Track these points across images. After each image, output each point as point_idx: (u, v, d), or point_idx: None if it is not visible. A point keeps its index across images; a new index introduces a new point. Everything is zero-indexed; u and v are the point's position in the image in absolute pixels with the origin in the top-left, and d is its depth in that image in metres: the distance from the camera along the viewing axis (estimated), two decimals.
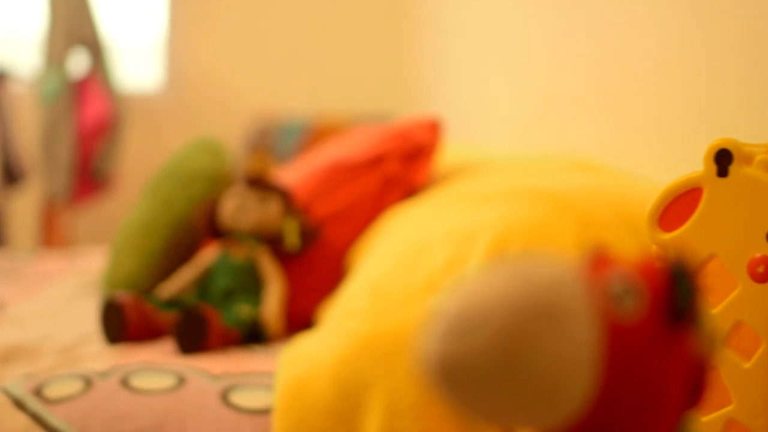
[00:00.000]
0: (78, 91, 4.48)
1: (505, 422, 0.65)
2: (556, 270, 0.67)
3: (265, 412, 1.37)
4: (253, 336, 1.78)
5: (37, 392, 1.42)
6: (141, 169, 5.09)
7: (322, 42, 5.18)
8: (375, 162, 1.94)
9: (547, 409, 0.65)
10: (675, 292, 0.70)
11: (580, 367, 0.64)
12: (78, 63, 4.60)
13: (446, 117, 2.12)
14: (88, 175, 4.56)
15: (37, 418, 1.37)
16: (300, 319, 1.89)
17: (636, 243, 1.40)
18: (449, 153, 2.30)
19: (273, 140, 4.59)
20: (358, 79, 5.17)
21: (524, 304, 0.63)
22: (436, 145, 1.96)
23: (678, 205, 1.08)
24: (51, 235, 4.62)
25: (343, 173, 1.96)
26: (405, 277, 1.46)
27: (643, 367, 0.68)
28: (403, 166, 1.92)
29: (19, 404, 1.40)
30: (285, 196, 1.91)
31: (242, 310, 1.77)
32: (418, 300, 1.39)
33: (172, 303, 1.84)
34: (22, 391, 1.43)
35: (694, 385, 0.73)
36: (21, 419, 1.37)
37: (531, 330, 0.63)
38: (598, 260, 0.70)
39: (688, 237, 1.06)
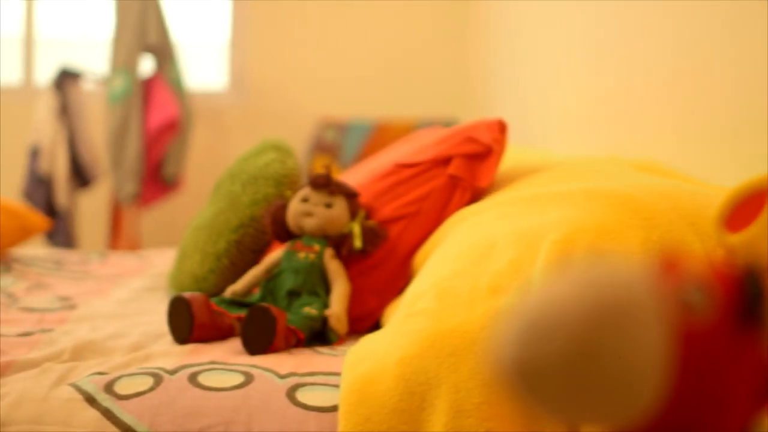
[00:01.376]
0: (146, 92, 4.52)
1: (577, 421, 0.65)
2: (628, 274, 0.67)
3: (330, 410, 1.39)
4: (318, 336, 1.79)
5: (108, 388, 1.45)
6: (205, 169, 5.14)
7: (385, 48, 5.19)
8: (441, 164, 1.94)
9: (620, 409, 0.65)
10: (746, 294, 0.69)
11: (652, 369, 0.65)
12: (146, 65, 4.65)
13: (508, 121, 2.12)
14: (156, 177, 4.60)
15: (108, 414, 1.39)
16: (365, 319, 1.90)
17: (702, 245, 1.39)
18: (513, 155, 2.30)
19: (337, 143, 4.60)
20: (421, 86, 5.17)
21: (598, 309, 0.63)
22: (502, 147, 1.96)
23: (745, 208, 1.08)
24: (118, 235, 4.67)
25: (409, 175, 1.96)
26: (470, 277, 1.47)
27: (714, 368, 0.68)
28: (469, 168, 1.92)
29: (90, 400, 1.42)
30: (351, 198, 1.92)
31: (308, 310, 1.78)
32: (483, 300, 1.40)
33: (239, 303, 1.86)
34: (93, 387, 1.45)
35: (765, 386, 0.72)
36: (92, 414, 1.39)
37: (604, 334, 0.63)
38: (669, 263, 0.70)
39: (755, 239, 1.05)
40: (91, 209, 5.18)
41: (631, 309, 0.64)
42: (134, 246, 4.56)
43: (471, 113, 4.88)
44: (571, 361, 0.63)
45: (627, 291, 0.65)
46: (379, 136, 4.59)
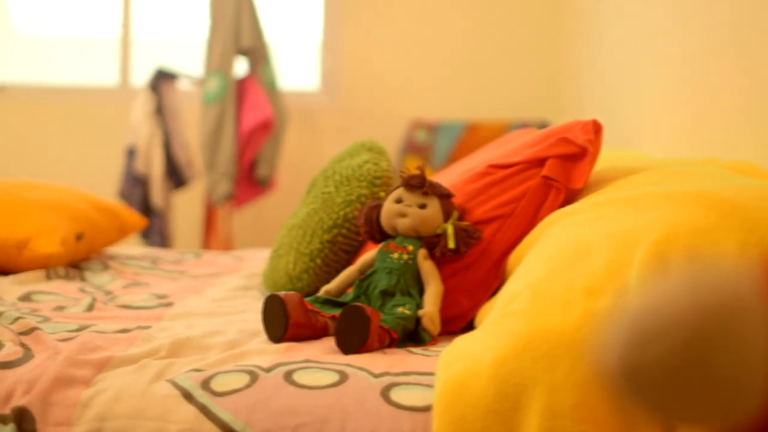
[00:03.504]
0: (240, 93, 4.57)
1: (680, 424, 0.65)
2: (735, 278, 0.66)
3: (424, 410, 1.39)
4: (411, 337, 1.80)
5: (205, 385, 1.47)
6: (297, 170, 5.17)
7: (476, 48, 5.18)
8: (536, 165, 1.93)
9: (724, 412, 0.64)
10: None
11: (758, 373, 0.64)
12: (240, 66, 4.70)
13: (601, 123, 2.10)
14: (250, 178, 4.65)
15: (204, 410, 1.41)
16: (458, 320, 1.90)
17: None
18: (607, 157, 2.28)
19: (428, 143, 4.60)
20: (512, 87, 5.15)
21: (706, 313, 0.63)
22: (597, 149, 1.94)
23: None
24: (212, 235, 4.73)
25: (503, 176, 1.96)
26: (566, 279, 1.46)
27: None
28: (564, 169, 1.91)
29: (187, 396, 1.44)
30: (445, 199, 1.92)
31: (401, 311, 1.79)
32: (579, 302, 1.39)
33: (333, 303, 1.87)
34: (190, 384, 1.47)
35: None
36: (190, 410, 1.41)
37: (712, 338, 0.63)
38: None
39: None
40: (185, 209, 5.26)
41: (739, 313, 0.64)
42: (227, 245, 4.62)
43: (562, 114, 4.85)
44: (679, 364, 0.62)
45: (734, 295, 0.64)
46: (470, 137, 4.58)
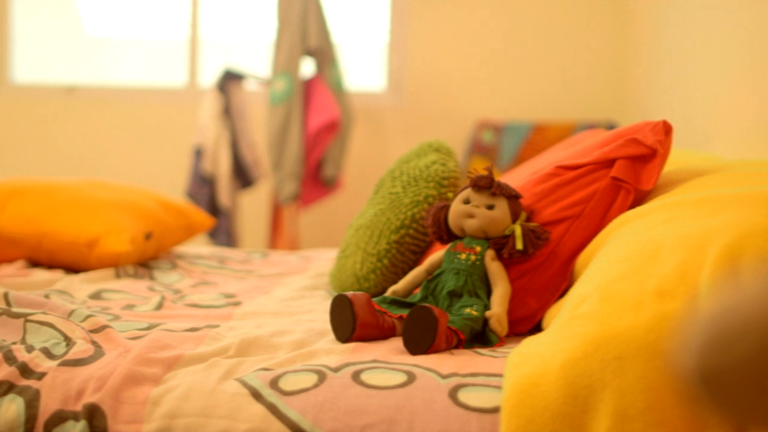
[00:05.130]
0: (306, 94, 4.59)
1: (757, 424, 0.64)
2: None
3: (492, 411, 1.38)
4: (478, 338, 1.79)
5: (274, 384, 1.47)
6: (362, 170, 5.18)
7: (542, 49, 5.16)
8: (605, 166, 1.92)
9: None
10: None
11: None
12: (306, 66, 4.72)
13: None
14: (316, 178, 4.66)
15: (273, 409, 1.42)
16: (525, 321, 1.90)
17: None
18: (676, 158, 2.26)
19: (495, 144, 4.59)
20: (578, 87, 5.12)
21: None
22: (667, 150, 1.92)
23: None
24: (278, 235, 4.75)
25: (571, 177, 1.94)
26: (636, 281, 1.45)
27: None
28: (633, 171, 1.89)
29: (256, 395, 1.45)
30: (513, 200, 1.92)
31: (468, 311, 1.78)
32: (649, 304, 1.37)
33: (400, 303, 1.87)
34: (259, 382, 1.48)
35: None
36: (258, 409, 1.42)
37: None
38: None
39: None
40: (252, 209, 5.29)
41: None
42: (293, 245, 4.64)
43: (629, 115, 4.81)
44: (758, 366, 0.62)
45: None
46: (537, 137, 4.56)
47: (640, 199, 1.93)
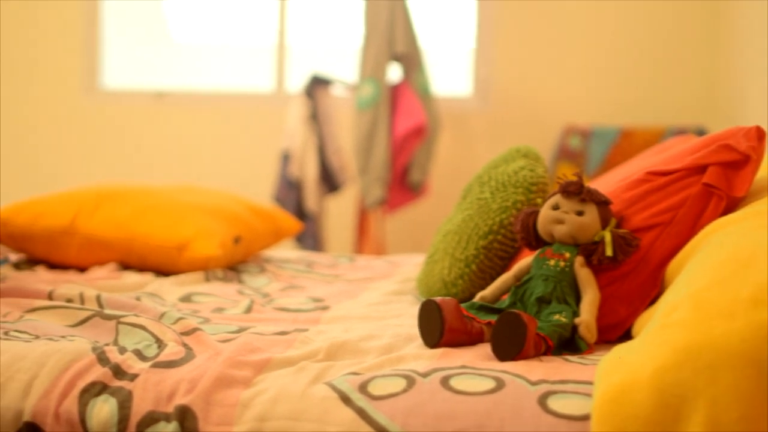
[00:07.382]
0: (393, 99, 4.61)
1: None
2: None
3: (582, 419, 1.37)
4: (567, 344, 1.78)
5: (363, 389, 1.48)
6: (449, 175, 5.18)
7: (630, 53, 5.11)
8: (696, 172, 1.89)
9: None
10: None
11: None
12: (394, 72, 4.74)
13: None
14: (403, 183, 4.67)
15: (362, 413, 1.42)
16: (614, 328, 1.88)
17: None
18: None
19: (582, 150, 4.56)
20: (667, 93, 5.07)
21: None
22: (760, 156, 1.89)
23: None
24: (365, 239, 4.77)
25: (662, 183, 1.92)
26: (730, 288, 1.42)
27: None
28: (725, 177, 1.87)
29: (345, 399, 1.46)
30: (602, 206, 1.90)
31: (557, 318, 1.77)
32: (744, 312, 1.35)
33: (489, 309, 1.87)
34: (348, 387, 1.49)
35: None
36: (348, 413, 1.43)
37: None
38: None
39: None
40: (338, 213, 5.32)
41: None
42: (380, 250, 4.65)
43: (719, 121, 4.74)
44: None
45: None
46: (625, 143, 4.52)
47: (732, 205, 1.90)
